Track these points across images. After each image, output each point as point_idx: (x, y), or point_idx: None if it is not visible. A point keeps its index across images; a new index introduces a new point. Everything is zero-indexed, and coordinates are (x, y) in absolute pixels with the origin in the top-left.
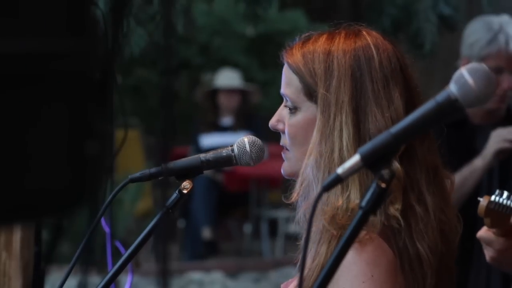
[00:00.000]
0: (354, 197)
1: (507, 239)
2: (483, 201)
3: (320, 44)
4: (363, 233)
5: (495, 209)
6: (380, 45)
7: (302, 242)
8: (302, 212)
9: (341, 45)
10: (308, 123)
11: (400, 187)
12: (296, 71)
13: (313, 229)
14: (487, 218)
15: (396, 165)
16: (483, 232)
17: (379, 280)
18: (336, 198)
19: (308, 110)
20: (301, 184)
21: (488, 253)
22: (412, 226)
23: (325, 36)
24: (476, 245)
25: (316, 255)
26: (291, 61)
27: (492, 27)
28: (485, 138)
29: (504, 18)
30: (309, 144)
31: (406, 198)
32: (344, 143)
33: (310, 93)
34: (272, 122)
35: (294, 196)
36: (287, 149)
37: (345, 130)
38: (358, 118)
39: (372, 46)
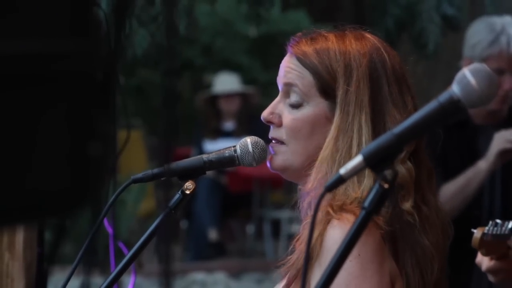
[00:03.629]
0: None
1: (501, 262)
2: (476, 233)
3: (332, 43)
4: (349, 214)
5: (489, 240)
6: (389, 50)
7: (304, 235)
8: (307, 202)
9: (354, 46)
10: (316, 118)
11: (412, 185)
12: (310, 66)
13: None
14: (482, 248)
15: (408, 164)
16: (480, 259)
17: (366, 259)
18: (354, 190)
19: (318, 105)
20: (316, 177)
21: (493, 279)
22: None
23: (333, 35)
24: None
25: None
26: (303, 56)
27: (494, 28)
28: (487, 139)
29: (506, 19)
30: (312, 139)
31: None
32: (364, 139)
33: (325, 90)
34: (266, 114)
35: (309, 187)
36: (281, 142)
37: (364, 128)
38: (376, 118)
39: (383, 50)
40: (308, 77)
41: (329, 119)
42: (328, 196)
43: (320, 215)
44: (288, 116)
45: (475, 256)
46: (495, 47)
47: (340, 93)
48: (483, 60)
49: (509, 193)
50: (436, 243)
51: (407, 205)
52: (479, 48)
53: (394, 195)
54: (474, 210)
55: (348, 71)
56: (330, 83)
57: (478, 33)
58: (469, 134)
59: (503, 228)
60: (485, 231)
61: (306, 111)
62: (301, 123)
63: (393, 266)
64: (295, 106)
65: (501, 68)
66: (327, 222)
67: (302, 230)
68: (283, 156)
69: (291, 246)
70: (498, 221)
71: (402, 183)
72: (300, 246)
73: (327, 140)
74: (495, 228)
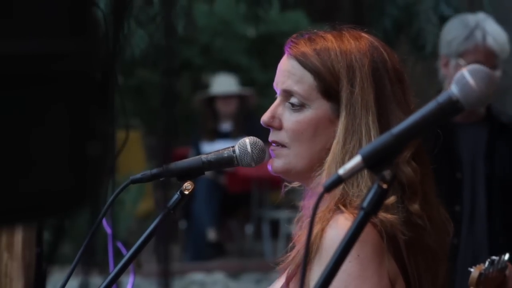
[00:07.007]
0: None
1: None
2: (474, 272)
3: (332, 43)
4: (346, 213)
5: (486, 278)
6: (387, 48)
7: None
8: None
9: (354, 46)
10: (319, 121)
11: (419, 186)
12: (311, 68)
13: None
14: (479, 286)
15: (413, 164)
16: None
17: (366, 260)
18: (359, 189)
19: (320, 107)
20: (325, 178)
21: None
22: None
23: (331, 35)
24: (462, 241)
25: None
26: (303, 58)
27: (468, 24)
28: (464, 137)
29: (480, 16)
30: (315, 141)
31: None
32: (373, 140)
33: (327, 92)
34: (267, 118)
35: (319, 188)
36: (282, 145)
37: (372, 129)
38: (382, 118)
39: (382, 49)
40: (308, 79)
41: (331, 121)
42: (338, 194)
43: (324, 212)
44: (290, 119)
45: (458, 250)
46: (471, 41)
47: (344, 95)
48: (460, 55)
49: (493, 187)
50: (440, 244)
51: (415, 207)
52: (455, 44)
53: (402, 196)
54: (455, 205)
55: (351, 72)
56: (332, 84)
57: (453, 30)
58: (446, 132)
59: (500, 262)
60: (483, 271)
61: (309, 113)
62: (304, 125)
63: (392, 266)
64: (297, 109)
65: (478, 62)
66: (331, 218)
67: (303, 228)
68: (285, 159)
69: (291, 244)
70: (494, 257)
71: (409, 184)
72: (300, 242)
73: (334, 142)
74: (492, 267)
